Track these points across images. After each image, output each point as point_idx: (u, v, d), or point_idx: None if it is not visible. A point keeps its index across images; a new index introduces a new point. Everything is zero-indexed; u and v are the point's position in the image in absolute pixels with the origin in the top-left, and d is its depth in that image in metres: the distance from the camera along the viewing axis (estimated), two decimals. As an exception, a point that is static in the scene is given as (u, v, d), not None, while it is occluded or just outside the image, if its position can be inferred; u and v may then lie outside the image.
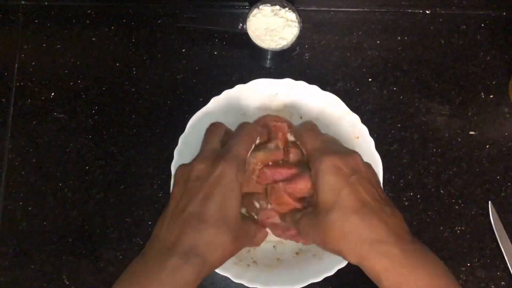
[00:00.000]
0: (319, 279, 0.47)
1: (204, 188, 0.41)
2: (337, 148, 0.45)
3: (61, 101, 0.57)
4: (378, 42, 0.59)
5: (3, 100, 0.57)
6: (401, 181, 0.55)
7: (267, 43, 0.55)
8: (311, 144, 0.45)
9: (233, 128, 0.49)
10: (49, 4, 0.60)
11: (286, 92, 0.52)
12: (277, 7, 0.55)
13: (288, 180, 0.46)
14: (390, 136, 0.56)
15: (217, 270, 0.46)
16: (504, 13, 0.60)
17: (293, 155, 0.48)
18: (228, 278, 0.47)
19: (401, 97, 0.58)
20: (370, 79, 0.58)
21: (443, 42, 0.59)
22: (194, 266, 0.39)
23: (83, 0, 0.60)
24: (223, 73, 0.58)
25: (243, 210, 0.47)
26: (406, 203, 0.55)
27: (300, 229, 0.44)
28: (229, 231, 0.40)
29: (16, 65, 0.58)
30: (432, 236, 0.54)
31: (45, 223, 0.54)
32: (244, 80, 0.52)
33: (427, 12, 0.60)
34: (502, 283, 0.53)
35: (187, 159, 0.46)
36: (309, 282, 0.47)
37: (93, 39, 0.59)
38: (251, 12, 0.55)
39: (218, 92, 0.51)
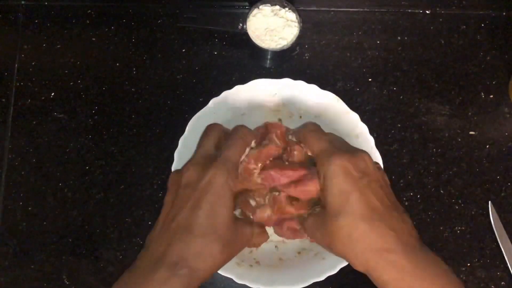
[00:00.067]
0: (321, 278, 0.47)
1: (194, 195, 0.41)
2: (344, 148, 0.44)
3: (61, 101, 0.57)
4: (378, 42, 0.59)
5: (3, 100, 0.57)
6: (401, 181, 0.55)
7: (267, 43, 0.55)
8: (317, 146, 0.44)
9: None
10: (49, 4, 0.60)
11: (285, 92, 0.52)
12: (277, 7, 0.55)
13: (296, 182, 0.45)
14: (390, 136, 0.56)
15: (219, 272, 0.46)
16: (504, 13, 0.60)
17: (297, 153, 0.47)
18: (229, 278, 0.47)
19: (401, 97, 0.58)
20: (370, 79, 0.58)
21: (443, 42, 0.59)
22: (182, 278, 0.38)
23: (83, 0, 0.60)
24: (223, 73, 0.58)
25: (238, 212, 0.46)
26: (406, 203, 0.55)
27: (306, 228, 0.44)
28: (219, 240, 0.40)
29: (16, 65, 0.58)
30: (432, 236, 0.54)
31: (45, 223, 0.54)
32: (244, 80, 0.52)
33: (427, 12, 0.60)
34: (502, 283, 0.53)
35: (187, 161, 0.46)
36: (312, 282, 0.47)
37: (93, 39, 0.59)
38: (251, 12, 0.55)
39: (218, 92, 0.51)
